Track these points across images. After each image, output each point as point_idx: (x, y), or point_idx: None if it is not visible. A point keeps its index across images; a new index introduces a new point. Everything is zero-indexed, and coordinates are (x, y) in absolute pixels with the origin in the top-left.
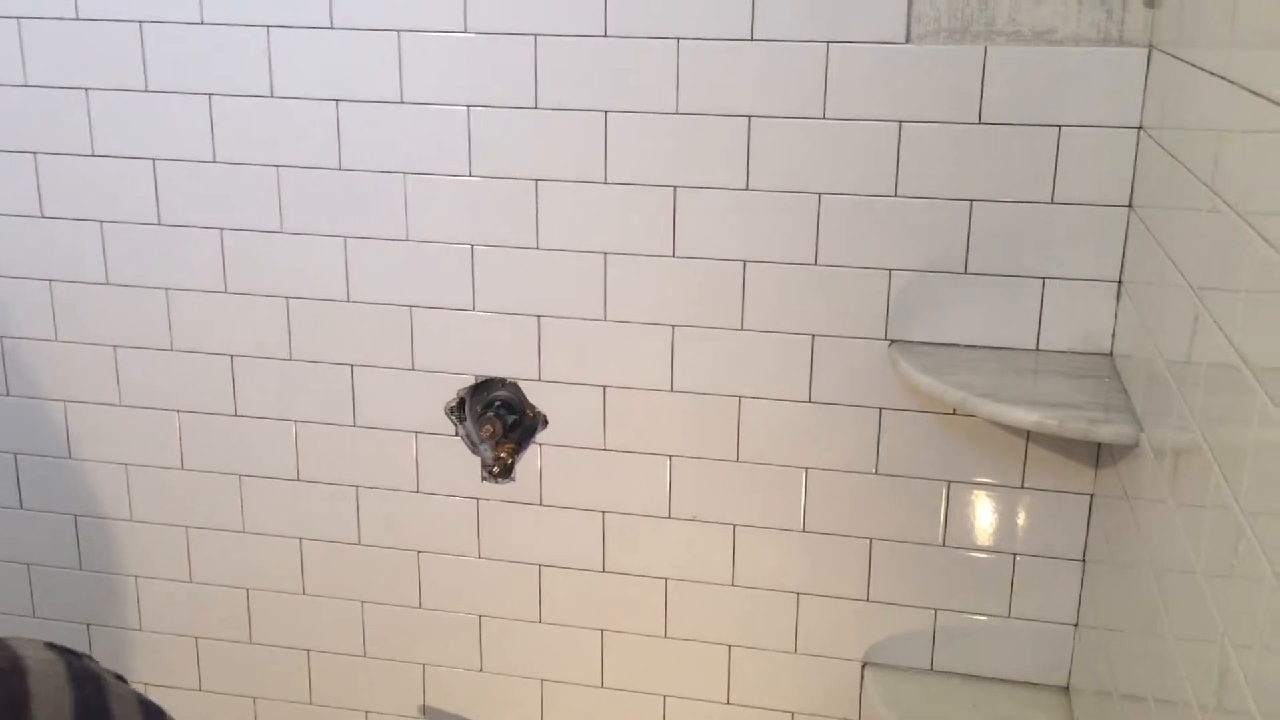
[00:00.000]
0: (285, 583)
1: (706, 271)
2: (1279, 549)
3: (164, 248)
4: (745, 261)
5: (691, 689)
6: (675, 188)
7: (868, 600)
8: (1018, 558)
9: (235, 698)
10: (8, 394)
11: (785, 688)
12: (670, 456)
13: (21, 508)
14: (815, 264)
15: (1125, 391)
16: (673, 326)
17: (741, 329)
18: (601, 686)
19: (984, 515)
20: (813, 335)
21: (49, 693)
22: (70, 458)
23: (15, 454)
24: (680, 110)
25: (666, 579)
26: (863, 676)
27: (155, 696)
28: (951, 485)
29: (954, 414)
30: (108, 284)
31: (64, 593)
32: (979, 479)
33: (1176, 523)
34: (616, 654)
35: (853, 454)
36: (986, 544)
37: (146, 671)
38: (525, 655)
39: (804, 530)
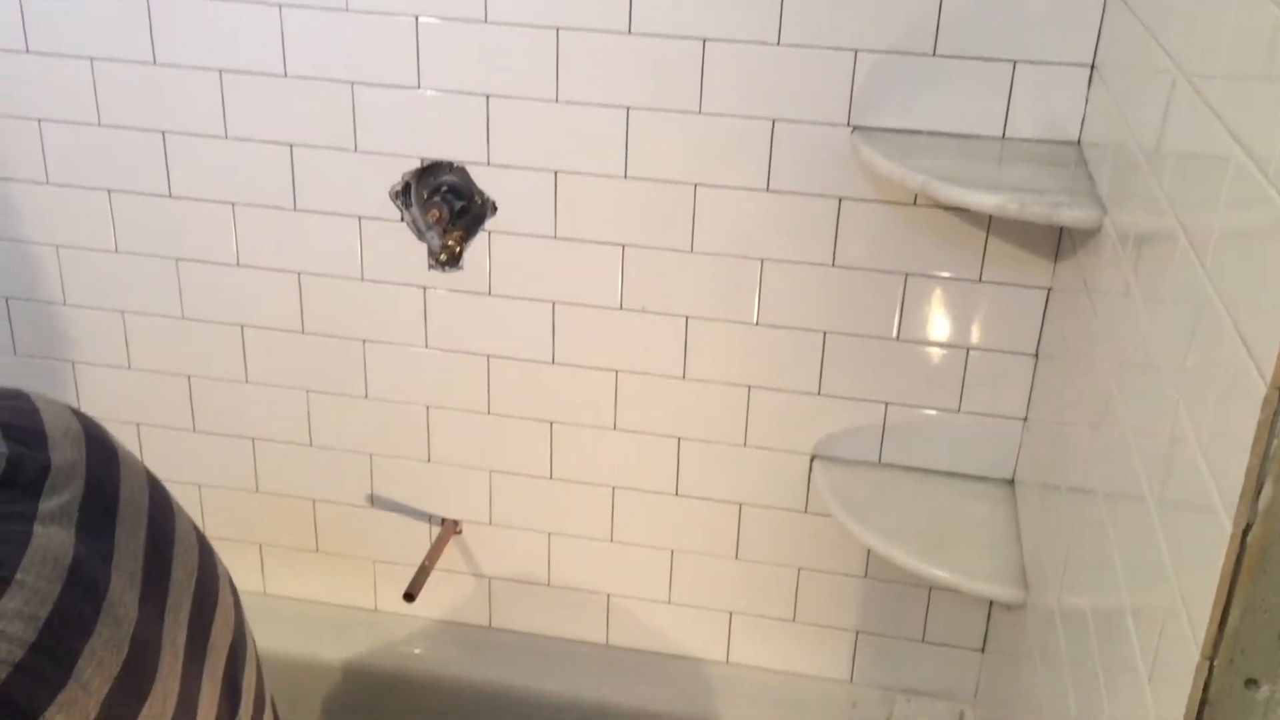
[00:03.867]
0: (228, 371)
1: (662, 49)
2: (1249, 333)
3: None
4: (704, 40)
5: (640, 480)
6: None
7: (819, 394)
8: (971, 352)
9: (180, 485)
10: None
11: (733, 480)
12: (623, 246)
13: None
14: (778, 44)
15: (1091, 178)
16: (627, 109)
17: (700, 112)
18: (550, 478)
19: (940, 309)
20: (773, 120)
21: (59, 421)
22: (4, 237)
23: None
24: None
25: (617, 371)
26: (811, 469)
27: None
28: (909, 278)
29: (915, 204)
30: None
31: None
32: (937, 272)
33: (1139, 310)
34: (565, 446)
35: (810, 246)
36: (941, 338)
37: None
38: (473, 446)
39: (757, 323)
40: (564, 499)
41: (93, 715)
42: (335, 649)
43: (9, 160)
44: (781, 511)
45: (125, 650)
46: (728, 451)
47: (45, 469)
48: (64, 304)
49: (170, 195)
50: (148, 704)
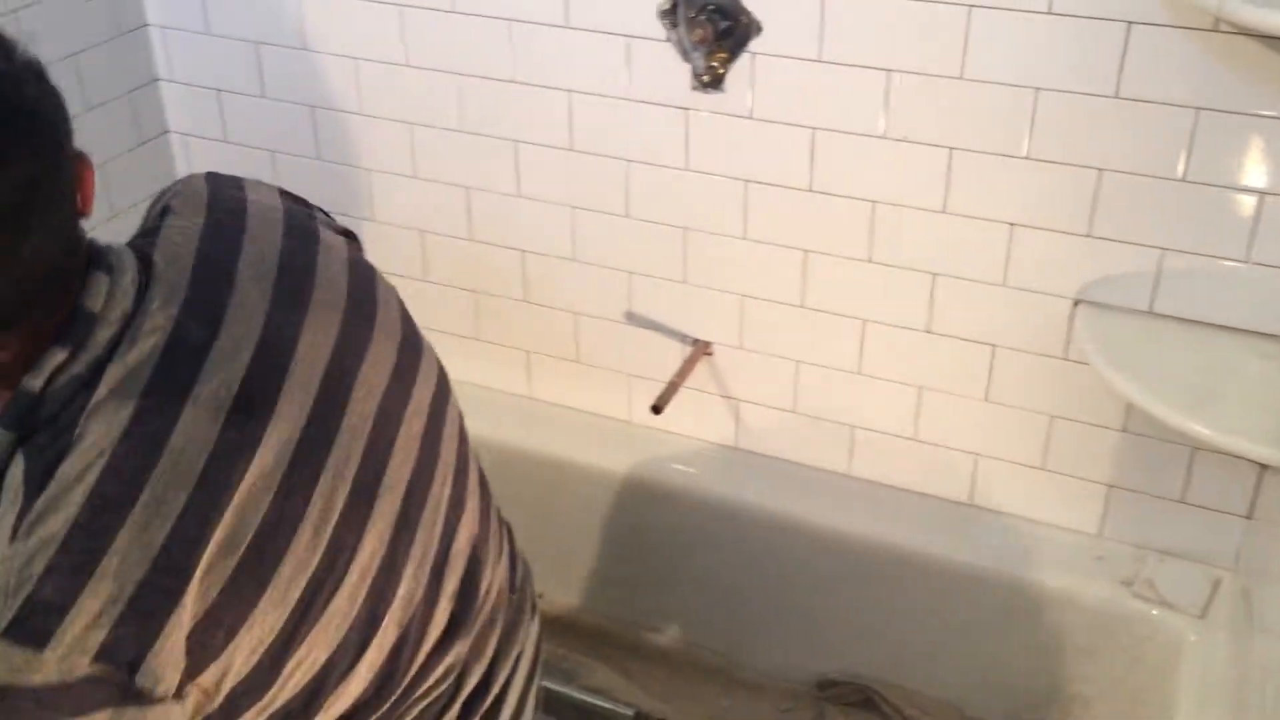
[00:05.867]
0: (501, 184)
1: None
2: None
3: None
4: None
5: (892, 315)
6: None
7: (1088, 235)
8: (1266, 198)
9: (457, 290)
10: None
11: (990, 320)
12: (888, 71)
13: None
14: None
15: None
16: None
17: None
18: (801, 306)
19: (1233, 149)
20: None
21: (258, 251)
22: (306, 49)
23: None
24: None
25: (874, 202)
26: (1073, 314)
27: None
28: (1200, 114)
29: (1215, 30)
30: None
31: (303, 180)
32: (1234, 108)
33: None
34: (818, 274)
35: (1091, 74)
36: (1232, 181)
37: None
38: (727, 270)
39: (1027, 157)
40: (814, 328)
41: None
42: (590, 454)
43: None
44: (1038, 356)
45: (239, 554)
46: (985, 290)
47: (207, 345)
48: (359, 114)
49: (453, 11)
50: (270, 588)
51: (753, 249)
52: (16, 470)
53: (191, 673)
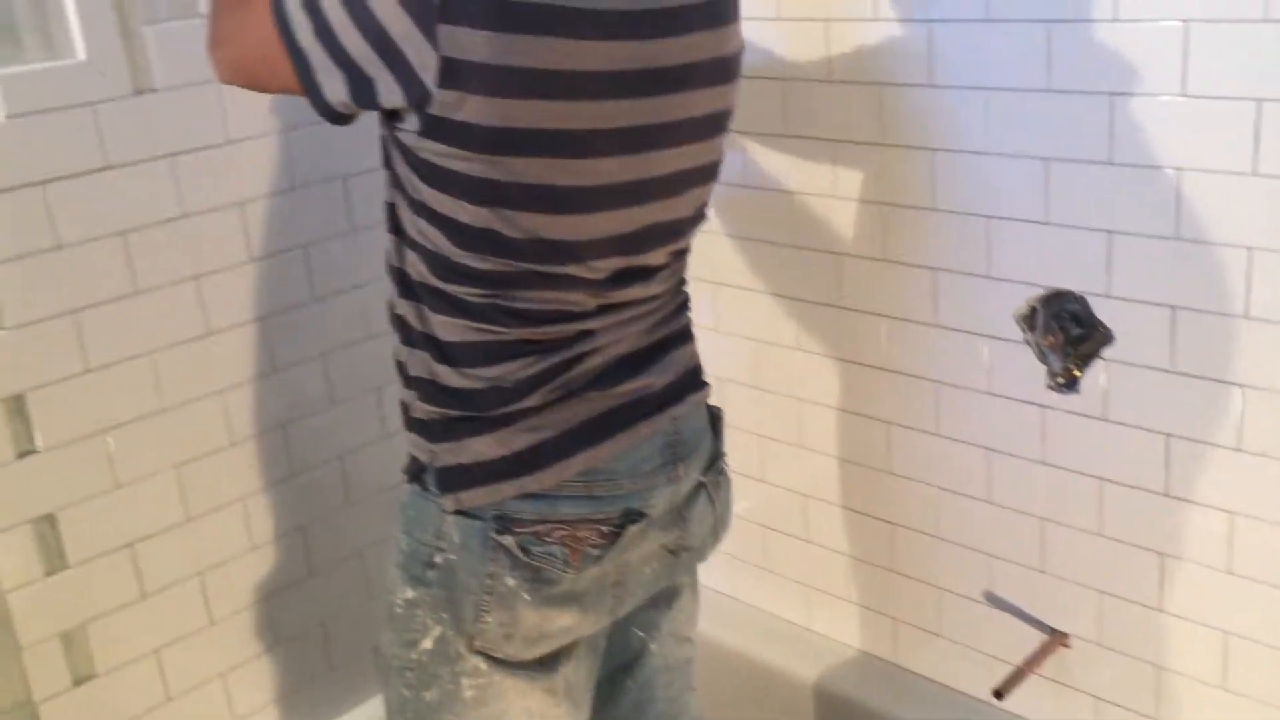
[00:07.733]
0: (873, 460)
1: None
2: None
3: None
4: None
5: (1257, 631)
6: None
7: None
8: None
9: (833, 553)
10: None
11: None
12: (1243, 387)
13: None
14: None
15: None
16: (1249, 249)
17: None
18: (1160, 610)
19: None
20: None
21: None
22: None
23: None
24: None
25: (1232, 513)
26: None
27: None
28: None
29: None
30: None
31: None
32: None
33: None
34: (1176, 579)
35: None
36: None
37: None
38: (1083, 564)
39: None
40: (1174, 634)
41: None
42: None
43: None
44: None
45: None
46: None
47: None
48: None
49: (839, 307)
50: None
51: (1109, 546)
52: None
53: (451, 78)
